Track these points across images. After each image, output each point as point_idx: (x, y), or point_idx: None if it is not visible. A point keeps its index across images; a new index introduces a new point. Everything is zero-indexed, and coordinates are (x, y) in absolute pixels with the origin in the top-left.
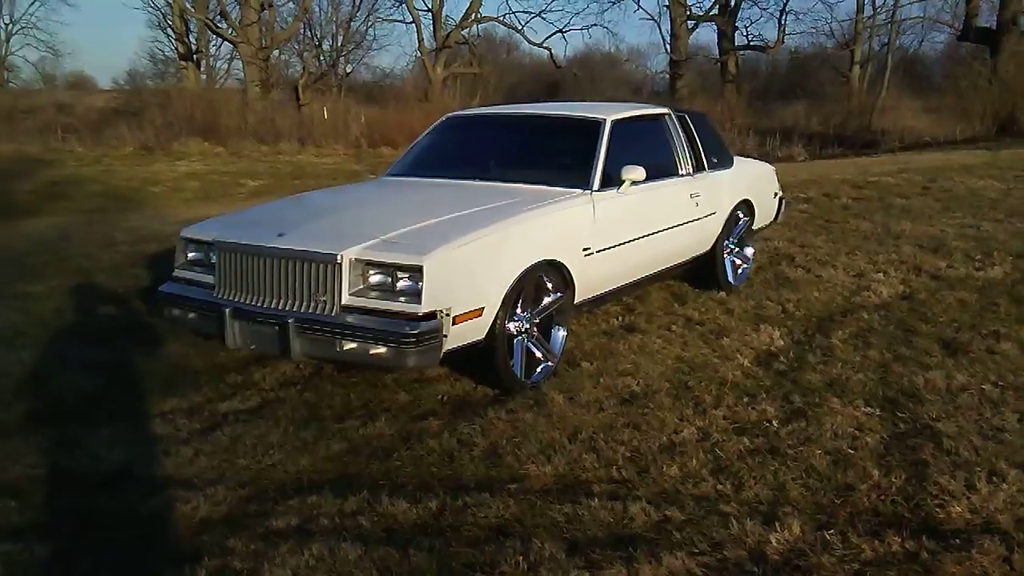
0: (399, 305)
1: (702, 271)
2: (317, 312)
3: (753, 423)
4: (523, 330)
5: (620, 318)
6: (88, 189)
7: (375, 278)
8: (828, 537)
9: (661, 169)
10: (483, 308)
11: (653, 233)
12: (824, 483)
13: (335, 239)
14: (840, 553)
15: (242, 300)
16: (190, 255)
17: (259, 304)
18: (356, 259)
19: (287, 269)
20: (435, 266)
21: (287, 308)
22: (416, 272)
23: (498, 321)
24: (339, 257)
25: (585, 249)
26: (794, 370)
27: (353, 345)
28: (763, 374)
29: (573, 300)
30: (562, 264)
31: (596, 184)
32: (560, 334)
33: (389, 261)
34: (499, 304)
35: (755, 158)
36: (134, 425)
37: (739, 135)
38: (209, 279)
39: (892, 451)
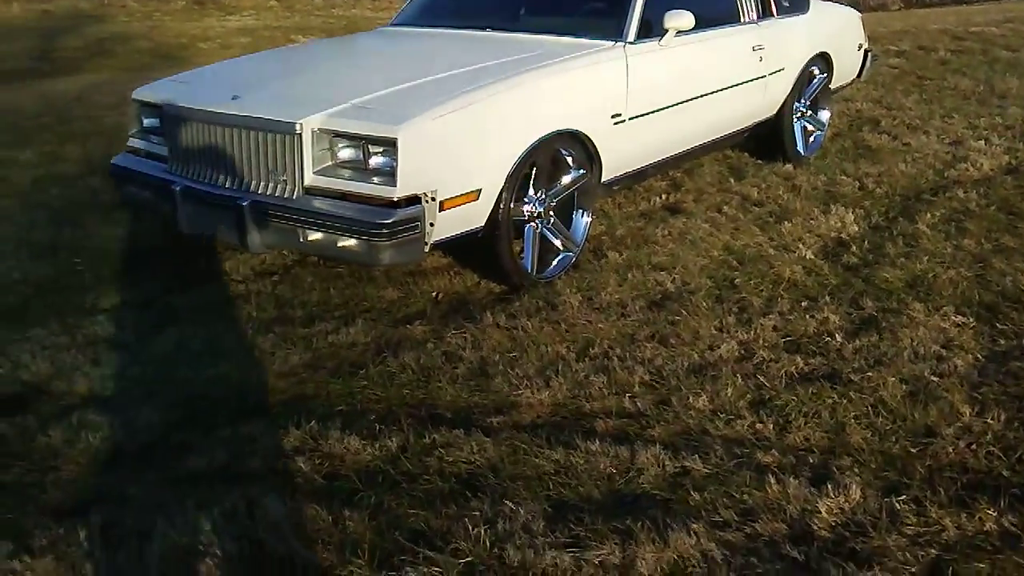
0: (371, 188)
1: (766, 139)
2: (277, 194)
3: (810, 337)
4: (535, 214)
5: (663, 196)
6: (135, 46)
7: (345, 152)
8: (898, 506)
9: (716, 15)
10: (480, 190)
11: (703, 95)
12: (896, 424)
13: (297, 103)
14: (913, 531)
15: (196, 177)
16: (145, 122)
17: (214, 182)
18: (320, 128)
19: (242, 140)
20: (413, 138)
21: (244, 188)
22: (390, 146)
23: (501, 205)
24: (298, 126)
25: (615, 116)
26: (868, 265)
27: (318, 236)
28: (828, 270)
29: (600, 178)
30: (584, 135)
31: (631, 34)
32: (583, 219)
33: (356, 131)
34: (502, 184)
35: (838, 2)
36: (72, 324)
37: None
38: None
39: (989, 379)
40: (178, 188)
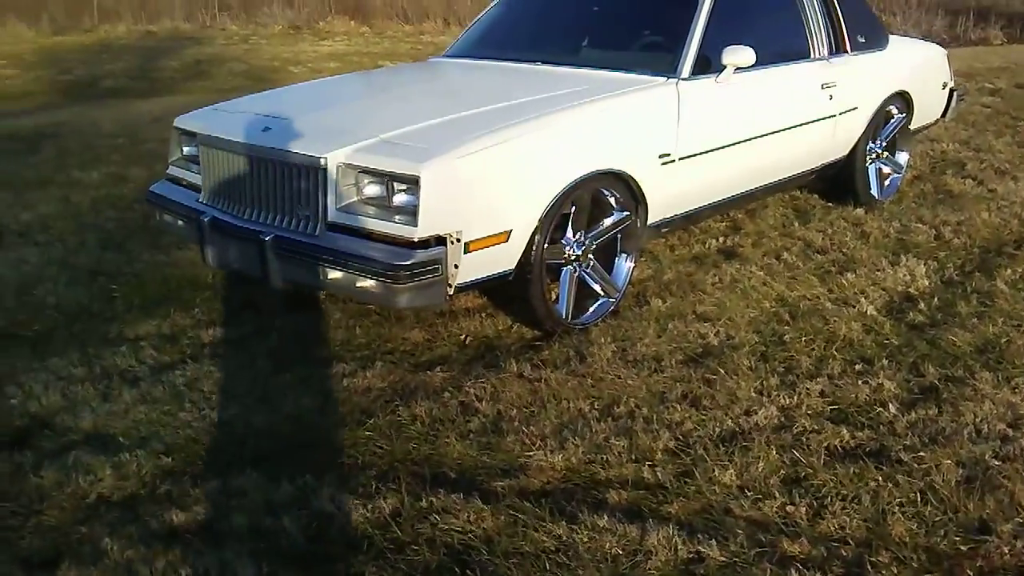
0: (393, 227)
1: (836, 181)
2: (300, 229)
3: (860, 406)
4: (573, 257)
5: (719, 239)
6: (230, 68)
7: (370, 189)
8: None
9: (782, 50)
10: (510, 231)
11: (764, 135)
12: (947, 516)
13: (325, 136)
14: None
15: (224, 208)
16: (185, 150)
17: (240, 215)
18: (346, 163)
19: (269, 173)
20: (437, 177)
21: (268, 222)
22: (413, 184)
23: (534, 247)
24: (323, 160)
25: (664, 156)
26: (935, 325)
27: (338, 275)
28: (890, 329)
29: (646, 220)
30: (628, 176)
31: (686, 70)
32: (626, 264)
33: (380, 167)
34: (535, 225)
35: (933, 40)
36: (93, 354)
37: (925, 13)
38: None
39: None
40: (206, 219)
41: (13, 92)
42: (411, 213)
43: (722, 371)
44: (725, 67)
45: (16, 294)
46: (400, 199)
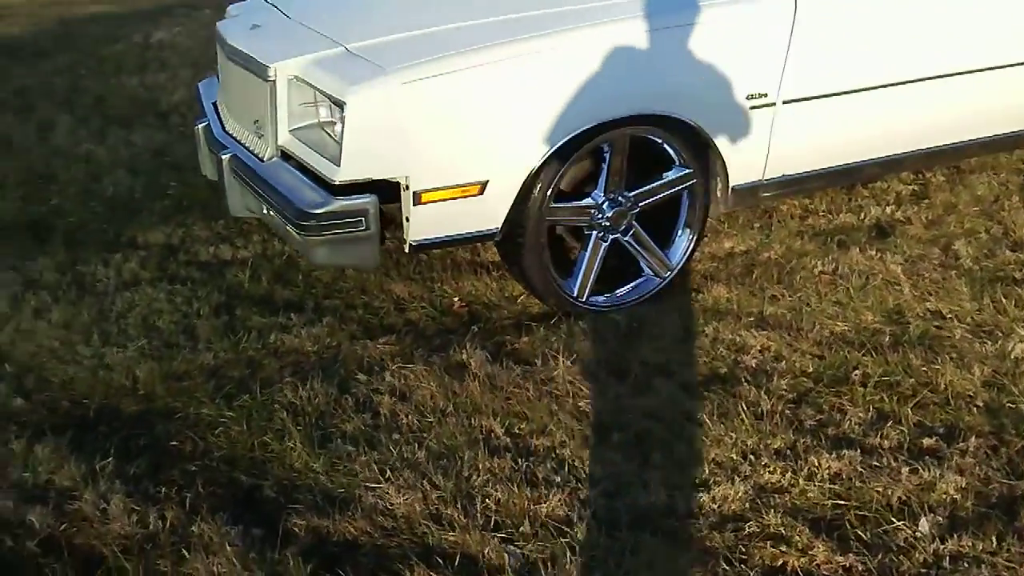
0: (323, 164)
1: None
2: (256, 151)
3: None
4: (602, 221)
5: (885, 207)
6: None
7: (324, 112)
8: None
9: None
10: (485, 183)
11: (948, 75)
12: None
13: (289, 41)
14: None
15: (220, 114)
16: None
17: (224, 124)
18: (297, 77)
19: (240, 80)
20: (368, 105)
21: (239, 138)
22: (341, 111)
23: (529, 203)
24: (271, 70)
25: (755, 97)
26: None
27: (273, 215)
28: (1019, 392)
29: (725, 183)
30: (690, 122)
31: None
32: (685, 237)
33: (318, 85)
34: (524, 178)
35: None
36: (82, 258)
37: None
38: None
39: None
40: (202, 124)
41: None
42: (338, 150)
43: (709, 418)
44: None
45: (89, 179)
46: (336, 130)
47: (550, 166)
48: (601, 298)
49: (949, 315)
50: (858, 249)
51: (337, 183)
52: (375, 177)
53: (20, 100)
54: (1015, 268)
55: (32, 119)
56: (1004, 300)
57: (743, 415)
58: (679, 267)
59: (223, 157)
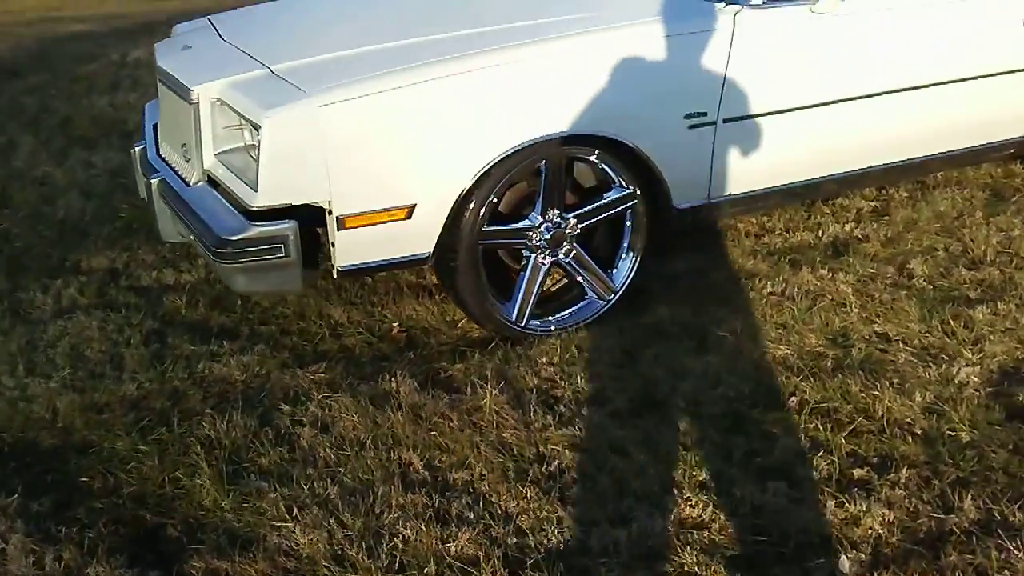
0: (242, 189)
1: None
2: (184, 176)
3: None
4: (539, 242)
5: (845, 224)
6: None
7: (248, 136)
8: None
9: None
10: (413, 207)
11: (905, 89)
12: None
13: (214, 63)
14: None
15: (157, 137)
16: None
17: (157, 148)
18: (218, 99)
19: (169, 102)
20: (286, 128)
21: (169, 161)
22: (259, 135)
23: (461, 226)
24: (194, 93)
25: (693, 116)
26: None
27: (194, 239)
28: (973, 417)
29: (666, 202)
30: (629, 145)
31: None
32: (628, 259)
33: (236, 108)
34: (453, 200)
35: None
36: (19, 285)
37: None
38: None
39: None
40: (138, 148)
41: None
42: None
43: (633, 452)
44: None
45: (42, 202)
46: (255, 153)
47: (481, 188)
48: (540, 322)
49: (896, 337)
50: (810, 269)
51: (255, 208)
52: (295, 202)
53: None
54: (969, 287)
55: None
56: (953, 322)
57: (668, 445)
58: (623, 290)
59: (152, 181)
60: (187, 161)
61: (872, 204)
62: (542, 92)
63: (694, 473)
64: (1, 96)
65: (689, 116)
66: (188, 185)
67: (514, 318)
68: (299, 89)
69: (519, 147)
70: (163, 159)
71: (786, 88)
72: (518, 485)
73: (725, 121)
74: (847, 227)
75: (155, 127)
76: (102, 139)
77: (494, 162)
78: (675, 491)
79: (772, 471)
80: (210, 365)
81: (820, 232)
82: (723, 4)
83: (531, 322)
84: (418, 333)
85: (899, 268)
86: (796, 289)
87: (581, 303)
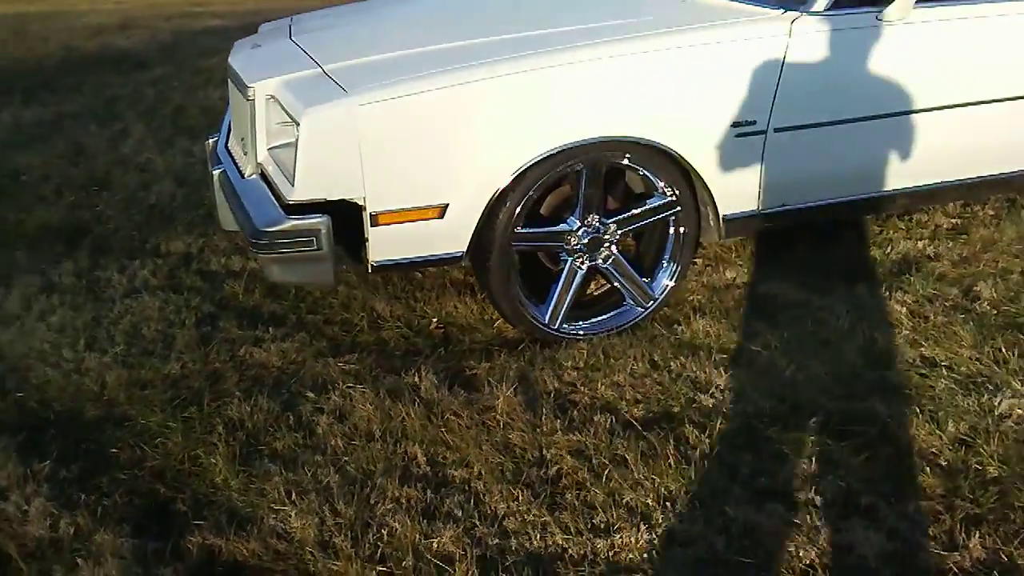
0: (283, 183)
1: None
2: (241, 168)
3: None
4: (577, 246)
5: (918, 241)
6: None
7: (294, 130)
8: None
9: None
10: (446, 206)
11: (953, 106)
12: None
13: (275, 61)
14: None
15: (231, 131)
16: None
17: (227, 139)
18: (272, 96)
19: (235, 98)
20: (324, 126)
21: (234, 155)
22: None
23: (495, 227)
24: (251, 90)
25: (741, 125)
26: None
27: (239, 228)
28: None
29: (713, 212)
30: (670, 151)
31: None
32: (667, 268)
33: (284, 105)
34: (487, 200)
35: None
36: (100, 264)
37: None
38: None
39: None
40: (211, 140)
41: None
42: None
43: (633, 463)
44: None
45: (140, 187)
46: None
47: (516, 190)
48: (575, 325)
49: (942, 363)
50: (867, 286)
51: (291, 202)
52: (330, 198)
53: (107, 110)
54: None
55: (111, 128)
56: (1006, 350)
57: (671, 459)
58: (662, 297)
59: (215, 172)
60: (245, 154)
61: (952, 221)
62: (580, 97)
63: (691, 488)
64: (126, 86)
65: (737, 124)
66: (243, 177)
67: (547, 320)
68: (341, 88)
69: (553, 151)
70: (228, 152)
71: (844, 98)
72: (512, 487)
73: (776, 130)
74: (919, 244)
75: (230, 122)
76: (207, 130)
77: (527, 166)
78: (668, 505)
79: (774, 492)
80: (251, 350)
81: (889, 248)
82: (781, 11)
83: (563, 325)
84: (455, 330)
85: (965, 290)
86: (846, 306)
87: (619, 309)
